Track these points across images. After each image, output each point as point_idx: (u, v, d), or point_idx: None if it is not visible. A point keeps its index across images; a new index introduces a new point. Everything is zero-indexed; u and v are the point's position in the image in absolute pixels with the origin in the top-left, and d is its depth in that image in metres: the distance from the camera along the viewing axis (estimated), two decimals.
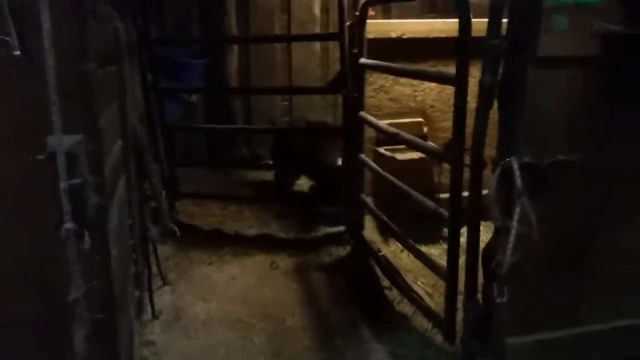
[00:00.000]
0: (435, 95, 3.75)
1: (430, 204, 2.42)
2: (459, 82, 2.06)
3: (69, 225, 1.49)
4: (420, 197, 2.52)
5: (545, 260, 2.01)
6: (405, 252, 3.57)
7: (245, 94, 5.54)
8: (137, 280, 2.48)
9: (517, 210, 1.82)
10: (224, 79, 5.31)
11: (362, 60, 3.20)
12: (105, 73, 1.84)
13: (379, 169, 3.22)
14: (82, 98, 1.52)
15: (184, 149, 5.19)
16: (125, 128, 2.23)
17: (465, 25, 2.02)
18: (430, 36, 3.57)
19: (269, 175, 4.97)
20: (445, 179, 3.98)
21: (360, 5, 3.12)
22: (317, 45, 5.50)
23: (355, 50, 3.25)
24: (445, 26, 3.58)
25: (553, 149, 1.88)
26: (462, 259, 2.43)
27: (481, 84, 1.95)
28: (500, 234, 1.93)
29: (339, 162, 3.98)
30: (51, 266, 1.58)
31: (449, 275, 2.27)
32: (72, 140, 1.49)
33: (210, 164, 5.22)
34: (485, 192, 2.04)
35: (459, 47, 2.04)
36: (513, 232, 1.82)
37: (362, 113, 3.28)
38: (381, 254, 3.27)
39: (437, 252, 3.70)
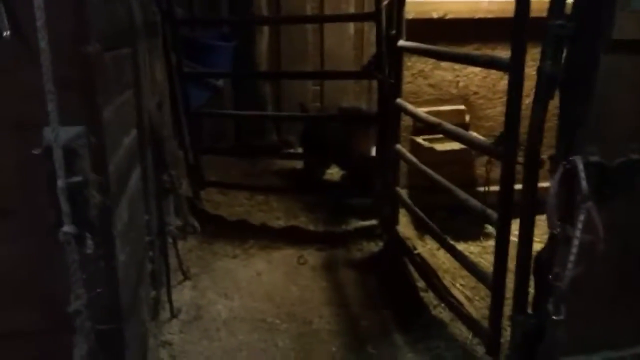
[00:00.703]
0: (479, 80, 3.48)
1: (477, 203, 2.18)
2: (515, 68, 1.81)
3: (68, 228, 1.32)
4: (464, 195, 2.28)
5: (611, 273, 1.76)
6: (443, 250, 3.34)
7: (275, 78, 5.30)
8: (154, 279, 2.32)
9: (582, 217, 1.58)
10: (252, 62, 5.12)
11: (401, 42, 2.95)
12: (115, 56, 1.66)
13: (416, 160, 2.98)
14: (83, 84, 1.33)
15: (210, 135, 5.04)
16: (141, 116, 2.06)
17: (523, 2, 1.76)
18: (476, 17, 3.29)
19: (298, 163, 4.78)
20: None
21: None
22: (351, 27, 5.24)
23: (393, 32, 3.00)
24: (492, 6, 3.30)
25: (625, 146, 1.62)
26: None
27: (540, 71, 1.69)
28: (558, 242, 1.70)
29: (373, 151, 3.75)
30: (50, 273, 1.42)
31: (495, 283, 2.03)
32: (71, 132, 1.32)
33: (237, 152, 5.03)
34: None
35: (515, 28, 1.79)
36: (576, 242, 1.58)
37: (400, 100, 3.04)
38: (416, 252, 3.05)
39: (477, 250, 3.47)
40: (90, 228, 1.38)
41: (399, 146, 3.12)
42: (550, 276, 1.74)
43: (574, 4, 1.63)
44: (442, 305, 2.69)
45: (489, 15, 3.29)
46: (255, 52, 5.12)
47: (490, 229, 3.73)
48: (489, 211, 2.05)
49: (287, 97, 5.27)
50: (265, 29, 5.09)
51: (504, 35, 3.35)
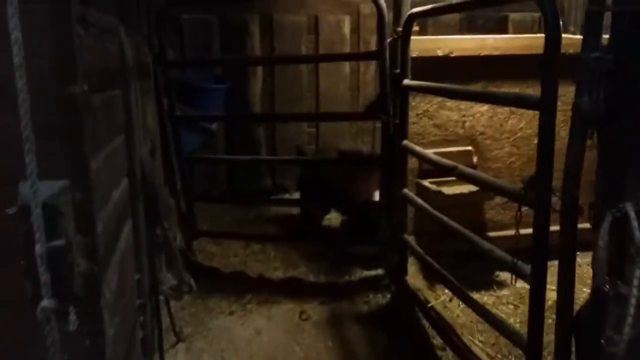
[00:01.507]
0: (486, 120, 3.35)
1: (504, 255, 1.99)
2: (547, 105, 1.66)
3: (46, 302, 1.12)
4: (487, 245, 2.10)
5: None
6: (456, 301, 3.14)
7: (273, 121, 5.12)
8: (145, 346, 2.08)
9: (638, 272, 1.40)
10: (246, 104, 4.98)
11: (406, 81, 2.82)
12: (105, 98, 1.49)
13: (426, 206, 2.81)
14: (68, 131, 1.16)
15: (202, 180, 4.84)
16: (132, 164, 1.87)
17: (554, 34, 1.63)
18: (481, 54, 3.19)
19: (295, 209, 4.59)
20: (497, 215, 3.58)
21: (403, 19, 2.76)
22: (347, 68, 5.15)
23: (397, 71, 2.88)
24: (498, 43, 3.22)
25: None
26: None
27: (576, 108, 1.55)
28: (606, 301, 1.51)
29: (376, 196, 3.58)
30: (28, 354, 1.21)
31: (531, 345, 1.83)
32: (53, 188, 1.13)
33: (231, 199, 4.81)
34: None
35: (546, 62, 1.64)
36: (633, 300, 1.40)
37: (406, 142, 2.89)
38: (430, 305, 2.84)
39: (491, 301, 3.26)
40: (74, 301, 1.18)
41: (406, 190, 2.95)
42: (599, 339, 1.56)
43: (612, 34, 1.50)
44: None
45: (495, 53, 3.19)
46: (249, 94, 4.99)
47: (502, 276, 3.54)
48: (520, 263, 1.86)
49: (281, 140, 5.12)
50: (259, 70, 4.98)
51: (510, 72, 3.32)
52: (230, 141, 5.00)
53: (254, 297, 3.30)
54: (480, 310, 2.31)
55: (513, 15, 5.35)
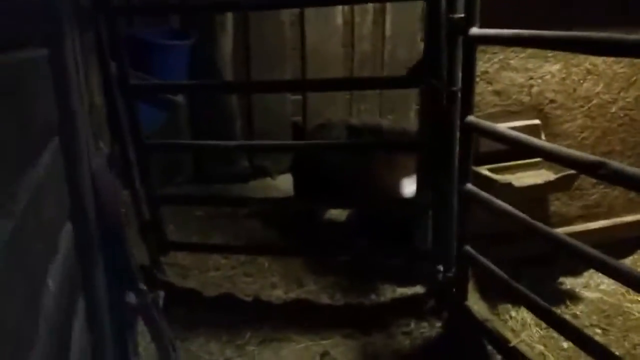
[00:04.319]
0: (557, 84, 2.59)
1: None
2: None
3: None
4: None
5: None
6: (533, 329, 2.45)
7: (263, 91, 3.75)
8: None
9: None
10: (213, 65, 4.02)
11: (475, 30, 2.01)
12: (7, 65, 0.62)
13: (501, 203, 2.05)
14: None
15: (162, 166, 3.90)
16: (79, 194, 1.00)
17: None
18: None
19: (280, 192, 3.79)
20: (563, 207, 2.87)
21: None
22: (339, 18, 4.27)
23: (461, 15, 2.07)
24: None
25: None
26: None
27: None
28: None
29: (406, 187, 2.81)
30: None
31: None
32: None
33: (207, 201, 3.72)
34: None
35: None
36: None
37: (472, 118, 2.10)
38: (512, 345, 2.11)
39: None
40: None
41: (470, 186, 2.18)
42: None
43: None
44: None
45: None
46: (217, 52, 4.04)
47: (569, 283, 2.87)
48: None
49: (260, 109, 4.23)
50: (229, 22, 4.02)
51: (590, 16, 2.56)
52: (194, 112, 4.06)
53: (254, 334, 2.49)
54: None
55: None
